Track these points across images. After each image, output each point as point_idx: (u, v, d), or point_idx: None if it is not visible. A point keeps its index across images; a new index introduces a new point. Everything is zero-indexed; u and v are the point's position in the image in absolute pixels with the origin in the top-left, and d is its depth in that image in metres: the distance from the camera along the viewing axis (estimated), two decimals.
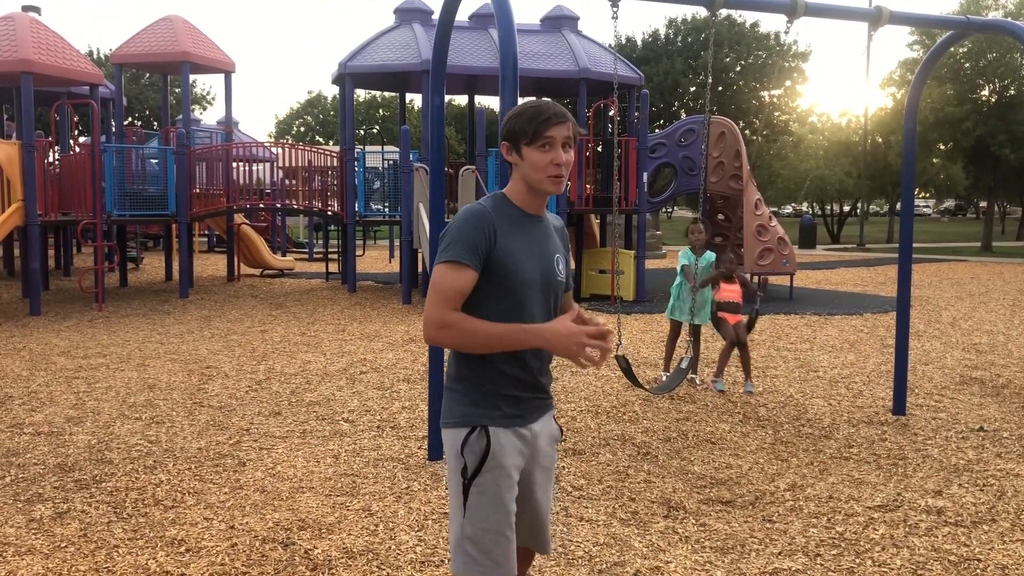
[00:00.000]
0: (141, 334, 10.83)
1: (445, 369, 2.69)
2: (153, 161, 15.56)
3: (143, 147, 15.30)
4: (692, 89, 38.98)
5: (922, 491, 5.08)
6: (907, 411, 6.95)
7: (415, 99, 49.98)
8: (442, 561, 4.02)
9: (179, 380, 8.09)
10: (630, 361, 6.77)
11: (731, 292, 7.89)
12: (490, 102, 34.09)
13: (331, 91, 53.91)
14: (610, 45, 18.04)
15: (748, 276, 8.29)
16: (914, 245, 27.14)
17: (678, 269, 7.99)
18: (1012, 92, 30.59)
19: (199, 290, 15.81)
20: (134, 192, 14.66)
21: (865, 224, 37.59)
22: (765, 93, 40.34)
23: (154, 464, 5.49)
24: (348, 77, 15.27)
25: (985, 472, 5.45)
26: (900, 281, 6.88)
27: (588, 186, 15.00)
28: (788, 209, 74.79)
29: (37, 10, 30.35)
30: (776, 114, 41.19)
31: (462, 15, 16.68)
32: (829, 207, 46.18)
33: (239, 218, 18.07)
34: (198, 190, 15.60)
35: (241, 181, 15.83)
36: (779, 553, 4.15)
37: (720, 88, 39.02)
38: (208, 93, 46.59)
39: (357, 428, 6.41)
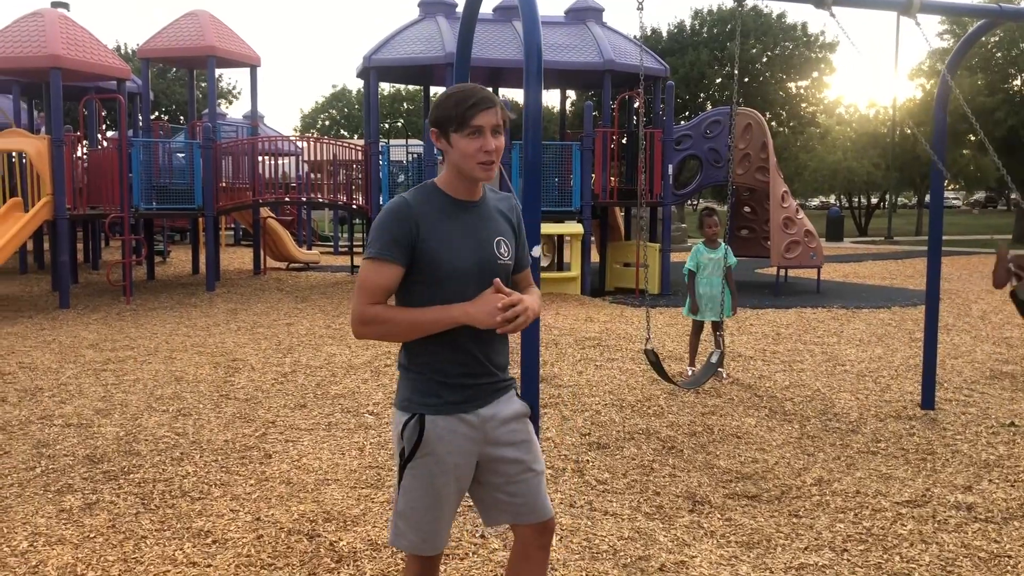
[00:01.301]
0: (168, 327, 10.92)
1: None
2: (180, 155, 15.68)
3: (170, 141, 15.41)
4: (718, 80, 38.70)
5: (951, 487, 5.02)
6: (936, 406, 6.87)
7: (439, 92, 50.21)
8: (467, 555, 4.03)
9: (206, 373, 8.16)
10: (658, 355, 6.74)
11: None
12: (514, 94, 34.00)
13: (355, 85, 54.14)
14: (635, 36, 17.94)
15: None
16: (945, 237, 26.70)
17: (684, 270, 7.98)
18: None
19: (225, 283, 15.92)
20: (161, 186, 14.80)
21: (893, 216, 37.20)
22: (792, 84, 39.97)
23: (181, 456, 5.53)
24: (373, 71, 15.30)
25: (1016, 468, 5.38)
26: (929, 274, 6.79)
27: (612, 178, 14.94)
28: (815, 202, 74.17)
29: (66, 6, 30.65)
30: (803, 105, 40.81)
31: (486, 8, 16.64)
32: (857, 199, 45.74)
33: (265, 212, 18.17)
34: (224, 184, 15.72)
35: (267, 175, 15.92)
36: (805, 548, 4.12)
37: (746, 79, 38.72)
38: (234, 87, 46.91)
39: (382, 421, 6.43)
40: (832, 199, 73.97)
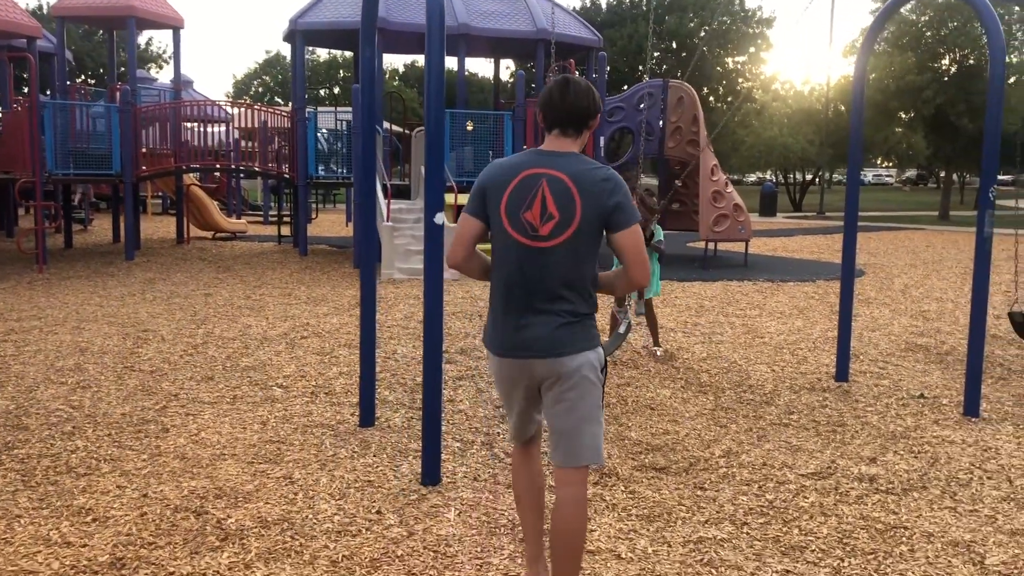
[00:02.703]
0: (81, 296, 10.53)
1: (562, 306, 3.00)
2: (100, 120, 15.09)
3: (85, 104, 14.81)
4: (656, 54, 38.71)
5: (857, 458, 5.03)
6: (850, 378, 6.92)
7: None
8: (359, 531, 3.89)
9: (113, 344, 7.85)
10: None
11: None
12: (448, 63, 33.51)
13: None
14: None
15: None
16: (873, 213, 27.02)
17: None
18: (972, 62, 30.73)
19: (146, 252, 15.45)
20: (78, 151, 14.25)
21: (827, 192, 37.76)
22: (729, 60, 40.18)
23: (72, 430, 5.28)
24: (299, 34, 14.89)
25: (921, 439, 5.42)
26: (845, 247, 6.82)
27: None
28: (752, 177, 75.07)
29: None
30: (740, 81, 41.08)
31: None
32: (792, 175, 46.35)
33: (188, 179, 17.66)
34: (146, 150, 15.20)
35: (194, 142, 15.44)
36: (706, 521, 4.07)
37: (683, 54, 38.81)
38: (164, 51, 45.55)
39: (290, 394, 6.24)
40: (768, 175, 75.02)
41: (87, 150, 14.41)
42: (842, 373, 6.87)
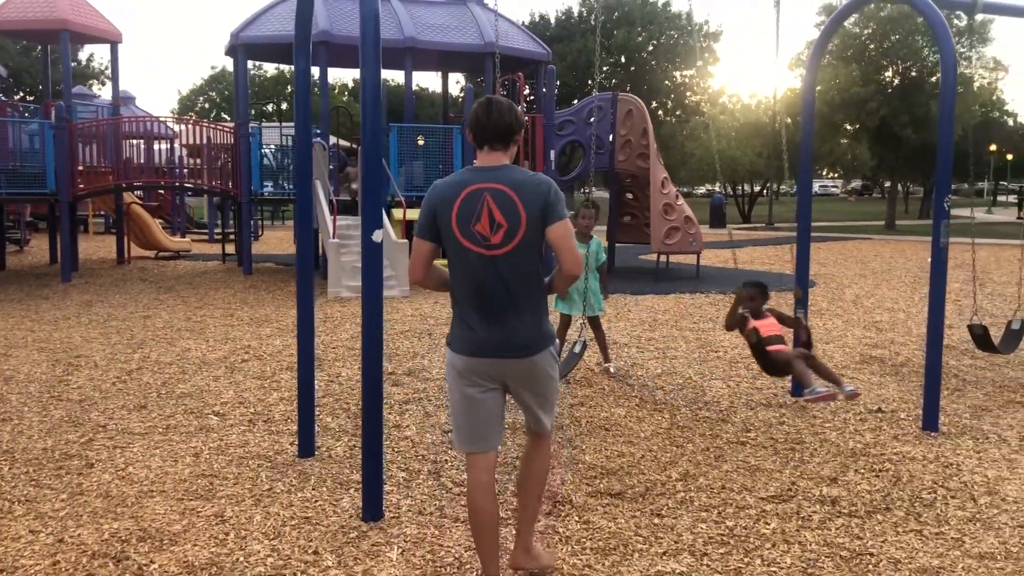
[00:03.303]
0: (11, 321, 10.06)
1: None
2: (34, 137, 14.56)
3: (15, 120, 14.27)
4: (606, 68, 38.84)
5: (817, 478, 4.87)
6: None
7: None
8: (294, 574, 3.61)
9: (41, 371, 7.45)
10: None
11: (768, 327, 5.89)
12: (394, 75, 33.18)
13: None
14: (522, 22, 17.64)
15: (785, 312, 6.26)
16: (821, 224, 27.22)
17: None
18: (914, 74, 31.27)
19: (85, 273, 14.92)
20: (10, 169, 13.71)
21: (775, 204, 38.12)
22: (677, 73, 40.46)
23: None
24: (241, 48, 14.53)
25: (881, 456, 5.28)
26: (798, 261, 6.69)
27: None
28: (702, 190, 75.75)
29: None
30: (688, 94, 41.38)
31: None
32: (740, 187, 46.77)
33: (129, 197, 17.15)
34: (83, 167, 14.71)
35: (136, 159, 14.99)
36: (663, 553, 3.86)
37: (632, 68, 38.98)
38: (106, 67, 44.50)
39: (227, 422, 5.92)
40: (717, 187, 75.77)
41: (20, 168, 13.88)
42: (798, 388, 6.70)
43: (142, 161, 15.88)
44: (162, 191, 22.50)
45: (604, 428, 5.86)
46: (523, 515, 3.60)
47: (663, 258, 15.20)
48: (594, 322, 7.43)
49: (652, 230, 14.53)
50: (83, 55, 39.91)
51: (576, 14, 37.25)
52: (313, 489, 4.62)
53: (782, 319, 6.01)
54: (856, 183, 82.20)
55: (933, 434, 5.75)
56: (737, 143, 38.11)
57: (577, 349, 5.89)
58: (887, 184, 40.05)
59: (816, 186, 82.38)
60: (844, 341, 9.09)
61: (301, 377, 5.14)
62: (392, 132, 13.57)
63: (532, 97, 11.05)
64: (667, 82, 39.45)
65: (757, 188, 47.92)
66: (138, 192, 21.44)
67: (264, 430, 5.74)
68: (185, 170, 16.41)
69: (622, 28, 37.45)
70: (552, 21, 39.86)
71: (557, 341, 3.45)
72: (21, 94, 39.02)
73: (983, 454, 5.34)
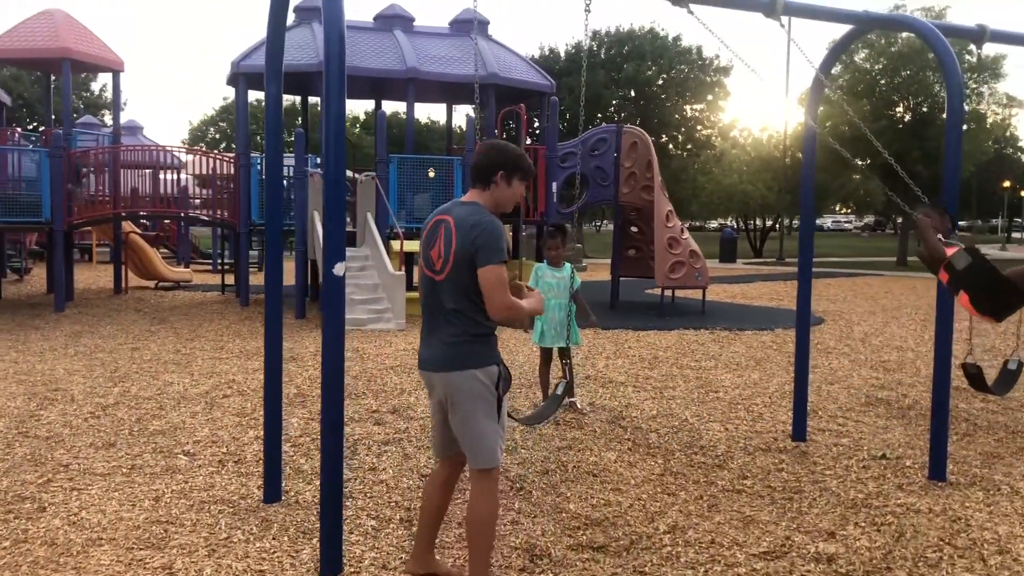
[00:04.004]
0: None
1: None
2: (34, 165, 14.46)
3: (10, 148, 14.18)
4: (614, 101, 38.77)
5: (814, 532, 4.54)
6: (807, 436, 6.46)
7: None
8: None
9: (15, 405, 7.20)
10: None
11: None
12: (397, 107, 33.08)
13: (250, 98, 52.28)
14: (582, 45, 17.55)
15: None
16: (831, 259, 26.94)
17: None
18: (925, 109, 31.02)
19: (80, 303, 14.74)
20: (8, 196, 13.59)
21: (787, 239, 37.84)
22: (687, 107, 40.37)
23: None
24: (242, 77, 14.43)
25: (884, 508, 4.95)
26: (800, 298, 6.40)
27: None
28: (714, 224, 75.49)
29: None
30: (698, 128, 41.27)
31: (366, 15, 16.00)
32: (752, 222, 46.51)
33: (128, 226, 17.00)
34: (85, 195, 14.60)
35: (137, 188, 14.86)
36: None
37: (642, 101, 38.92)
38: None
39: (196, 463, 5.64)
40: (730, 221, 75.52)
41: (18, 196, 13.76)
42: (799, 432, 6.42)
43: (145, 191, 15.75)
44: (167, 220, 22.40)
45: (592, 474, 5.56)
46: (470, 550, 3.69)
47: (668, 293, 14.91)
48: (565, 353, 7.14)
49: (656, 264, 14.25)
50: (96, 85, 40.16)
51: (586, 48, 37.36)
52: (273, 539, 4.33)
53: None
54: (869, 219, 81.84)
55: (940, 484, 5.42)
56: (748, 177, 37.93)
57: (559, 391, 5.61)
58: (898, 220, 39.70)
59: (828, 221, 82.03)
60: (850, 382, 8.75)
61: (268, 416, 4.87)
62: (392, 163, 13.39)
63: (537, 128, 10.89)
64: (677, 116, 39.35)
65: (769, 223, 47.71)
66: (143, 221, 21.37)
67: (233, 472, 5.45)
68: (193, 200, 16.27)
69: (632, 62, 37.41)
70: (562, 54, 39.91)
71: (494, 369, 3.50)
72: (34, 123, 39.24)
73: (994, 507, 5.00)
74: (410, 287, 13.08)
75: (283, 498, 4.93)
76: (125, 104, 44.69)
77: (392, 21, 15.29)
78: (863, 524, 4.69)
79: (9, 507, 4.74)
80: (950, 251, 3.51)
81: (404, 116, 15.25)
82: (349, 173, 18.57)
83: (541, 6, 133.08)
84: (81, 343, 10.60)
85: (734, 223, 73.42)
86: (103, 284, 18.45)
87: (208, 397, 7.60)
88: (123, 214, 15.02)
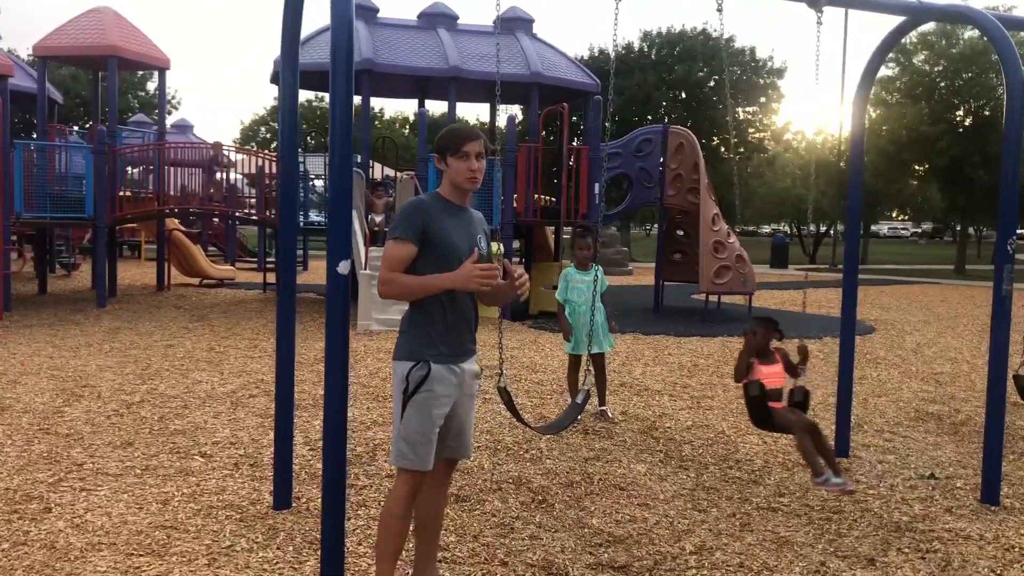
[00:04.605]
0: (34, 347, 9.87)
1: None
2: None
3: (56, 144, 14.31)
4: (664, 103, 38.28)
5: (853, 557, 4.24)
6: (851, 452, 6.12)
7: (420, 105, 49.05)
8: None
9: (41, 402, 7.15)
10: (511, 393, 5.60)
11: (773, 376, 5.11)
12: (441, 106, 32.88)
13: (300, 97, 52.59)
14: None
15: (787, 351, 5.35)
16: (886, 266, 26.18)
17: (557, 298, 7.08)
18: (987, 113, 30.06)
19: (123, 299, 14.83)
20: (56, 193, 13.72)
21: (841, 244, 37.00)
22: (740, 110, 39.72)
23: None
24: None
25: (930, 533, 4.61)
26: (844, 306, 6.07)
27: (538, 196, 14.15)
28: (767, 228, 74.29)
29: None
30: (750, 131, 40.58)
31: (410, 13, 15.90)
32: (806, 227, 45.60)
33: (171, 224, 17.10)
34: (127, 192, 14.69)
35: (184, 185, 14.95)
36: None
37: (694, 104, 38.39)
38: (174, 96, 45.55)
39: (211, 464, 5.50)
40: (783, 226, 74.25)
41: (64, 193, 13.89)
42: (842, 447, 6.07)
43: (191, 188, 15.81)
44: (215, 219, 22.55)
45: (619, 487, 5.30)
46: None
47: (714, 298, 14.53)
48: (597, 360, 6.90)
49: (701, 268, 13.89)
50: (152, 85, 40.80)
51: (636, 48, 36.93)
52: (278, 548, 4.15)
53: (788, 366, 5.15)
54: (927, 225, 79.91)
55: (993, 508, 5.05)
56: (802, 181, 37.16)
57: (579, 399, 5.35)
58: (958, 227, 38.61)
59: (884, 228, 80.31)
60: (899, 395, 8.35)
61: (279, 418, 4.70)
62: (430, 161, 13.22)
63: (566, 125, 10.66)
64: (728, 118, 38.72)
65: (824, 228, 46.71)
66: (191, 218, 21.51)
67: (247, 475, 5.30)
68: (241, 199, 16.30)
69: (683, 63, 36.88)
70: (612, 56, 39.50)
71: (407, 365, 3.38)
72: (91, 122, 39.99)
73: None
74: None
75: (293, 505, 4.76)
76: (179, 103, 45.36)
77: (435, 19, 15.15)
78: (906, 550, 4.36)
79: (16, 507, 4.63)
80: (757, 373, 5.04)
81: (457, 116, 15.17)
82: (391, 172, 18.49)
83: (591, 6, 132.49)
84: (117, 339, 10.60)
85: (788, 228, 72.13)
86: (148, 281, 18.60)
87: (234, 397, 7.49)
88: (165, 211, 15.07)
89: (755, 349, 5.08)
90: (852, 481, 5.49)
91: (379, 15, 14.94)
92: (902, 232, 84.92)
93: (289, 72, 4.57)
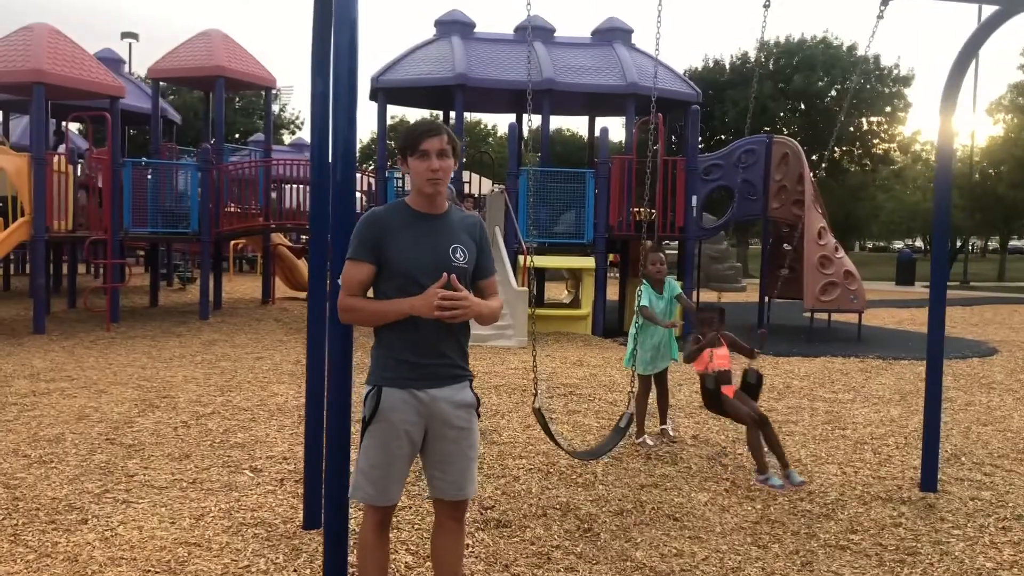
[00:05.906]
0: (131, 357, 10.20)
1: None
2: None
3: (163, 162, 14.87)
4: (781, 114, 37.06)
5: None
6: (940, 487, 5.57)
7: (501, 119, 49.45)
8: None
9: (118, 411, 7.31)
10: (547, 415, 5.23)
11: (722, 359, 5.84)
12: (556, 121, 32.84)
13: (415, 115, 53.49)
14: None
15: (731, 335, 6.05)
16: (1018, 285, 24.46)
17: (636, 310, 6.61)
18: None
19: (227, 312, 15.26)
20: (165, 209, 14.26)
21: (975, 261, 34.96)
22: (863, 120, 38.08)
23: None
24: (381, 92, 14.57)
25: None
26: (931, 324, 5.55)
27: (634, 209, 13.80)
28: (899, 244, 71.00)
29: (135, 36, 30.80)
30: (875, 142, 38.85)
31: (506, 28, 15.84)
32: None
33: (277, 238, 17.54)
34: (233, 208, 15.14)
35: (287, 201, 15.34)
36: None
37: (813, 114, 37.03)
38: (297, 116, 47.08)
39: (259, 479, 5.45)
40: (914, 241, 70.81)
41: (173, 208, 14.42)
42: (929, 480, 5.54)
43: (293, 205, 16.18)
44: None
45: (673, 517, 4.95)
46: None
47: (824, 316, 13.82)
48: (660, 377, 6.56)
49: (806, 284, 13.23)
50: (275, 106, 42.33)
51: (752, 59, 35.95)
52: (294, 571, 4.02)
53: (734, 344, 5.92)
54: None
55: None
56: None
57: (622, 423, 5.02)
58: None
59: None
60: (1007, 423, 7.63)
61: (308, 436, 4.58)
62: (522, 176, 13.08)
63: (661, 135, 10.30)
64: (851, 128, 37.14)
65: (958, 244, 44.20)
66: (305, 235, 22.05)
67: (290, 492, 5.22)
68: None
69: (801, 73, 35.63)
70: (727, 66, 38.58)
71: (369, 389, 3.11)
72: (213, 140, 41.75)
73: None
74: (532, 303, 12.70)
75: (322, 525, 4.62)
76: (302, 123, 46.80)
77: (528, 32, 15.04)
78: None
79: (55, 516, 4.66)
80: (701, 368, 5.79)
81: (567, 131, 14.99)
82: (489, 185, 18.46)
83: (705, 17, 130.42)
84: (211, 351, 10.84)
85: (921, 243, 68.61)
86: (257, 294, 19.13)
87: (303, 411, 7.47)
88: (270, 227, 15.45)
89: (713, 342, 5.80)
90: (935, 519, 4.97)
91: (475, 30, 14.94)
92: None
93: (320, 80, 4.46)
